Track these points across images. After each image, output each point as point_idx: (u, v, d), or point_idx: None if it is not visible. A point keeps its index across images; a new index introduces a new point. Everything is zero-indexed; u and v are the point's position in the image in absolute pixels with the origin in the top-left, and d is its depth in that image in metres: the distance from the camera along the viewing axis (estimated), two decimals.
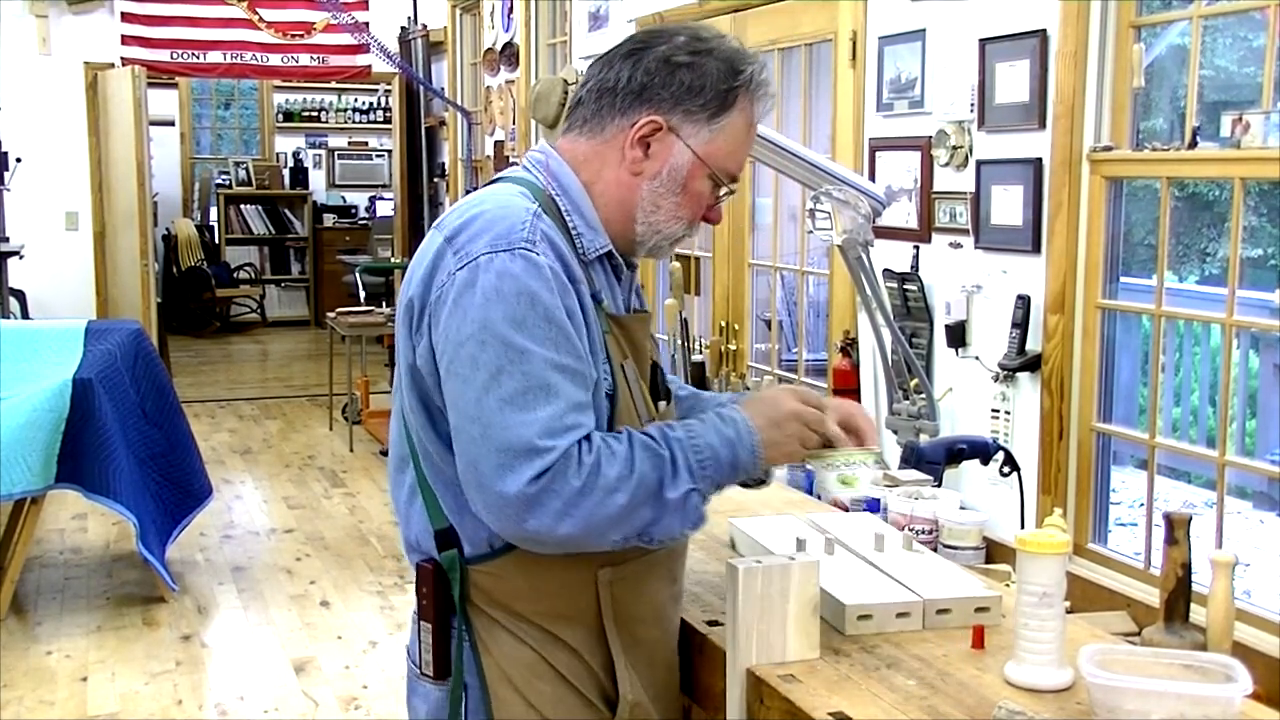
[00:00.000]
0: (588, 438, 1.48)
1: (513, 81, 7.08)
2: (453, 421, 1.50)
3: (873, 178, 3.56)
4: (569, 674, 1.63)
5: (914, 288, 3.47)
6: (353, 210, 12.79)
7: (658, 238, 1.64)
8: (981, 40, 3.20)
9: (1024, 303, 3.07)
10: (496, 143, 7.45)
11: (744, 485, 1.69)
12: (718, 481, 1.55)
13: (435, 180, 9.35)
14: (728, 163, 1.62)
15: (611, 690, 1.65)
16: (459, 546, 1.60)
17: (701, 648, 1.77)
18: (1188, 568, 1.80)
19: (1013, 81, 3.10)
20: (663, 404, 1.76)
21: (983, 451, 2.85)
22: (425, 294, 1.54)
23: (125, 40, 8.52)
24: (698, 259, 5.09)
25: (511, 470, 1.43)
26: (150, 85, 8.33)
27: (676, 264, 4.18)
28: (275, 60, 8.89)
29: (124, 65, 8.34)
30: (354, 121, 13.08)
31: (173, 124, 12.25)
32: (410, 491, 1.65)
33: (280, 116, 12.90)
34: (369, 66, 8.95)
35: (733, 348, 4.48)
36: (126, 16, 8.52)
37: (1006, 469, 2.86)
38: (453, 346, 1.48)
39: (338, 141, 13.05)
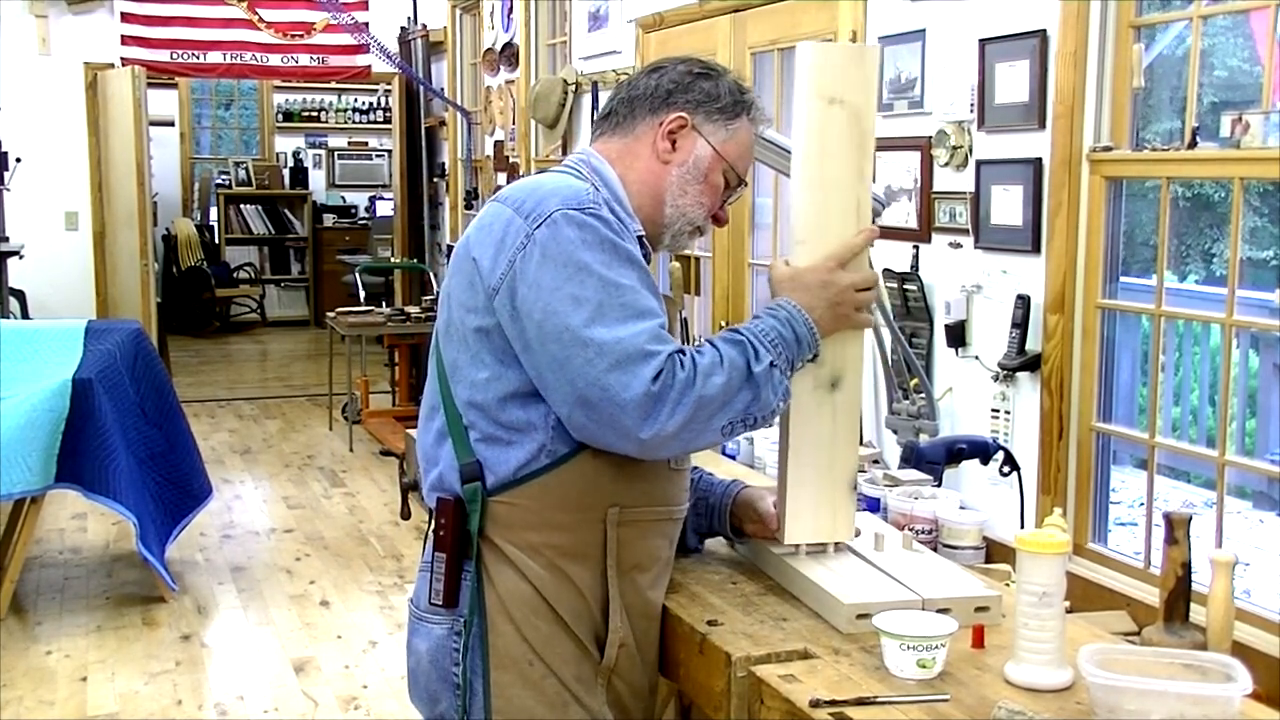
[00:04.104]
0: (681, 350, 1.66)
1: (513, 81, 7.08)
2: (556, 356, 1.63)
3: (873, 178, 3.55)
4: (568, 615, 1.75)
5: (914, 288, 3.47)
6: (352, 210, 12.79)
7: (682, 220, 1.84)
8: (981, 40, 3.20)
9: (1024, 302, 3.07)
10: (496, 143, 7.45)
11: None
12: (789, 356, 1.73)
13: (435, 180, 9.34)
14: (738, 163, 1.86)
15: (604, 631, 1.78)
16: (482, 479, 1.73)
17: (701, 648, 1.77)
18: (1188, 567, 1.80)
19: (1013, 81, 3.10)
20: None
21: (983, 451, 2.86)
22: (497, 256, 1.68)
23: (125, 40, 8.51)
24: (698, 259, 5.10)
25: (633, 375, 1.60)
26: (150, 85, 8.32)
27: (676, 264, 4.19)
28: (275, 60, 8.88)
29: (124, 65, 8.33)
30: (354, 121, 13.08)
31: (173, 124, 12.25)
32: (439, 435, 1.79)
33: (280, 116, 12.90)
34: (369, 66, 8.95)
35: None
36: (126, 16, 8.51)
37: (1006, 469, 2.86)
38: (548, 292, 1.64)
39: (338, 141, 13.05)
